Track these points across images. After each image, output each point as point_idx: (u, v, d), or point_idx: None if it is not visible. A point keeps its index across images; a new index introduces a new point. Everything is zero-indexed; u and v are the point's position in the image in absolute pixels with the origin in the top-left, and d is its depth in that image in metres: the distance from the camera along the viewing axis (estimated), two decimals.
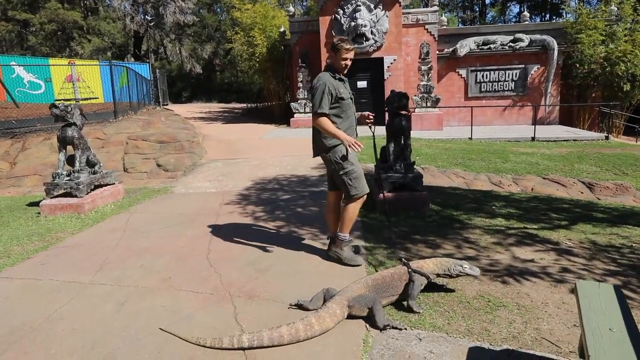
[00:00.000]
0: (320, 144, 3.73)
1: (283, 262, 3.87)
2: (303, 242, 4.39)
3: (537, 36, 15.66)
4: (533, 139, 13.08)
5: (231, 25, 26.55)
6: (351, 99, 3.78)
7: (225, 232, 4.82)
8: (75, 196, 5.85)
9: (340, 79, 3.68)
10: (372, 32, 14.73)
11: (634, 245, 4.37)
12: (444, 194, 6.88)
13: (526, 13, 17.57)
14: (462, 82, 16.46)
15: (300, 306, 3.00)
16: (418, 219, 5.15)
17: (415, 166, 5.80)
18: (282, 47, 17.99)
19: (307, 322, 2.63)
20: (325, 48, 15.29)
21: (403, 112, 5.53)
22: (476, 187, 8.79)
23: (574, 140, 13.05)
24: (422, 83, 15.55)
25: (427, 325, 2.78)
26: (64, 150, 6.08)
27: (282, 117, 18.05)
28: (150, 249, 4.32)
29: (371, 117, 3.90)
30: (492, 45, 15.85)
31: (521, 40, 15.59)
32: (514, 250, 4.16)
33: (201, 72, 34.15)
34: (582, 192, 9.38)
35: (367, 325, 2.77)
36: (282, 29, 18.11)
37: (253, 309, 3.02)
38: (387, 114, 5.70)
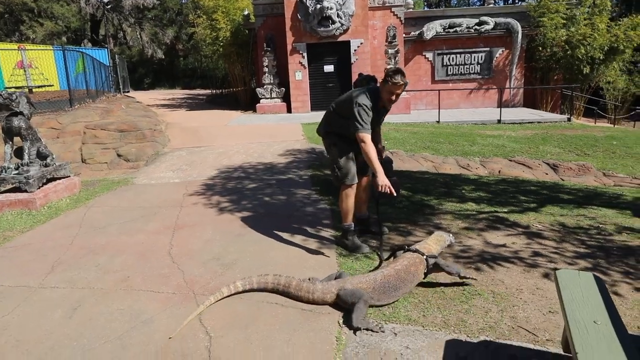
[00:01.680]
0: (329, 129, 3.69)
1: (250, 256, 3.69)
2: (270, 233, 4.22)
3: (502, 19, 15.78)
4: (499, 121, 13.23)
5: (193, 9, 25.66)
6: (378, 121, 3.69)
7: (188, 224, 4.59)
8: (25, 191, 5.46)
9: (378, 110, 3.52)
10: (338, 15, 14.47)
11: (600, 226, 4.40)
12: (413, 178, 6.82)
13: None
14: (429, 65, 16.46)
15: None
16: (389, 205, 5.04)
17: (384, 151, 5.68)
18: (247, 31, 17.51)
19: (279, 281, 2.92)
20: (290, 31, 14.96)
21: None
22: (445, 170, 8.80)
23: (538, 122, 13.27)
24: (389, 66, 15.43)
25: (402, 319, 2.67)
26: (11, 142, 5.66)
27: (248, 103, 17.65)
28: (108, 246, 4.05)
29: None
30: (458, 29, 15.87)
31: (486, 23, 15.67)
32: (486, 235, 4.11)
33: (163, 57, 33.04)
34: (547, 174, 9.54)
35: (340, 321, 2.64)
36: (246, 12, 17.59)
37: (219, 308, 2.84)
38: None
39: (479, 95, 16.59)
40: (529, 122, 13.25)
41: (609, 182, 9.02)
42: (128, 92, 22.39)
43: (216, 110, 17.04)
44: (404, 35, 15.82)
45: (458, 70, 16.46)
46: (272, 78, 15.84)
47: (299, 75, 15.37)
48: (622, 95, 17.47)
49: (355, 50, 15.07)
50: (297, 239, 4.04)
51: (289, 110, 15.69)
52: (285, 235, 4.12)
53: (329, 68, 15.54)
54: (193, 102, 21.10)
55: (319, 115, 15.58)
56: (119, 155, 9.15)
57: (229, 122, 13.63)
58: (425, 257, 3.02)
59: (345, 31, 14.86)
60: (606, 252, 3.71)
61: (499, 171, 9.46)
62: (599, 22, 15.18)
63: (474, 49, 16.17)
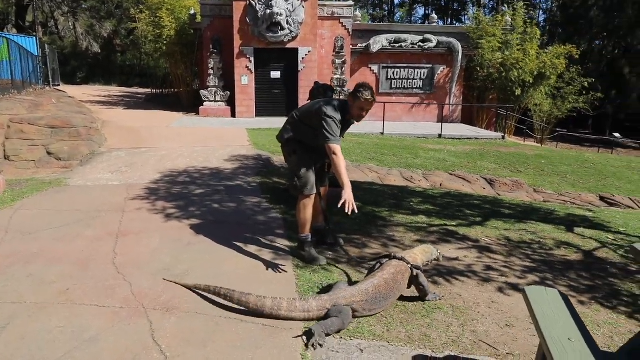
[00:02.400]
0: (291, 136, 3.59)
1: (202, 267, 3.50)
2: (222, 242, 4.04)
3: (444, 38, 16.47)
4: (440, 136, 13.73)
5: (135, 3, 24.59)
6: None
7: (133, 231, 4.30)
8: None
9: (346, 123, 3.48)
10: (287, 22, 14.44)
11: (541, 241, 4.63)
12: (361, 189, 6.86)
13: (434, 16, 18.46)
14: (374, 77, 16.81)
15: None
16: (341, 216, 5.00)
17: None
18: (192, 31, 17.02)
19: (275, 305, 2.68)
20: (238, 35, 14.71)
21: None
22: (389, 182, 8.95)
23: (476, 138, 13.92)
24: (335, 76, 15.60)
25: (367, 334, 2.63)
26: None
27: (191, 105, 17.11)
28: (42, 254, 3.69)
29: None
30: (403, 44, 16.37)
31: (430, 41, 16.29)
32: (439, 248, 4.17)
33: (100, 51, 31.33)
34: (484, 188, 10.00)
35: (304, 337, 2.54)
36: (192, 12, 17.11)
37: (173, 324, 2.64)
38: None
39: (421, 109, 17.17)
40: (467, 138, 13.87)
41: (539, 197, 9.61)
42: (58, 85, 20.98)
43: (157, 111, 16.36)
44: (351, 46, 16.07)
45: (402, 84, 16.95)
46: (217, 81, 15.48)
47: (245, 79, 15.13)
48: (547, 117, 18.79)
49: (303, 58, 15.09)
50: (251, 249, 3.90)
51: (233, 115, 15.39)
52: (238, 245, 3.96)
53: (275, 74, 15.44)
54: (131, 100, 20.14)
55: (264, 121, 15.39)
56: (49, 154, 8.48)
57: (171, 123, 13.12)
58: (410, 266, 3.00)
59: (294, 38, 14.84)
60: (550, 266, 3.90)
61: (441, 184, 9.79)
62: (530, 48, 16.28)
63: (417, 65, 16.73)
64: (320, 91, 5.15)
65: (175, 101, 18.81)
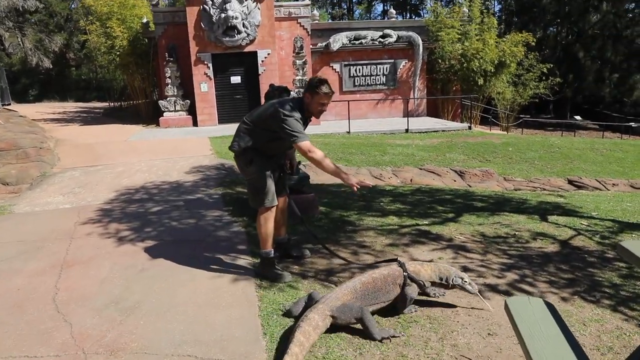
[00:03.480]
0: (247, 145, 3.29)
1: (155, 296, 3.16)
2: (180, 264, 3.70)
3: (404, 32, 16.42)
4: (407, 130, 13.63)
5: (84, 14, 23.66)
6: None
7: (81, 261, 3.91)
8: None
9: (305, 121, 3.25)
10: (244, 25, 14.07)
11: (516, 233, 4.47)
12: (329, 192, 6.61)
13: (393, 11, 18.39)
14: (337, 76, 16.61)
15: (286, 313, 2.80)
16: (308, 224, 4.74)
17: (300, 166, 5.38)
18: (146, 40, 16.43)
19: (299, 343, 2.34)
20: (194, 41, 14.25)
21: None
22: None
23: (443, 130, 13.89)
24: (297, 78, 15.32)
25: None
26: None
27: (151, 116, 16.51)
28: None
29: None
30: (363, 41, 16.22)
31: (390, 36, 16.21)
32: (411, 251, 3.96)
33: (51, 67, 30.05)
34: (455, 180, 9.91)
35: None
36: (144, 20, 16.51)
37: None
38: None
39: (386, 105, 17.08)
40: (434, 131, 13.82)
41: (510, 185, 9.59)
42: (9, 104, 19.95)
43: (115, 125, 15.70)
44: (311, 46, 15.82)
45: (365, 82, 16.81)
46: (175, 90, 14.97)
47: (204, 86, 14.68)
48: (510, 105, 19.00)
49: (262, 61, 14.75)
50: (211, 270, 3.58)
51: (195, 124, 14.91)
52: (196, 267, 3.64)
53: (236, 79, 15.05)
54: (88, 115, 19.35)
55: (227, 129, 14.91)
56: None
57: (130, 137, 12.57)
58: (405, 274, 2.80)
59: (251, 41, 14.48)
60: (528, 261, 3.73)
61: (411, 180, 9.65)
62: (489, 38, 16.40)
63: (379, 61, 16.63)
64: (276, 93, 4.85)
65: (134, 114, 18.16)
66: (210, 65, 14.52)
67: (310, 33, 15.57)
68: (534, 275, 3.43)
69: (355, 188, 2.98)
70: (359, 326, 2.59)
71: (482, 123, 17.83)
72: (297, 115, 3.10)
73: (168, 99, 14.94)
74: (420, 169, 10.43)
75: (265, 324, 2.70)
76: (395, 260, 2.97)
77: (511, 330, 2.61)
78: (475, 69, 16.18)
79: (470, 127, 14.34)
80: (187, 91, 15.01)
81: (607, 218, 5.28)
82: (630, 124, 21.69)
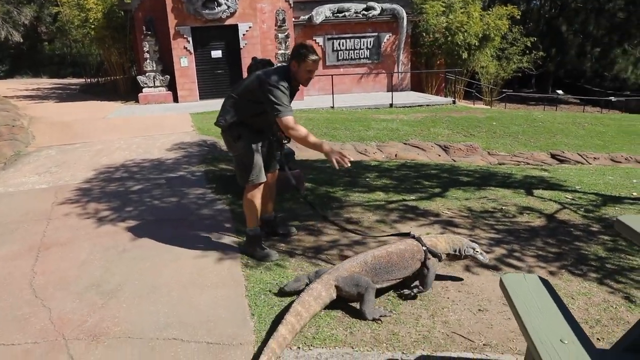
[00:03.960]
0: (234, 120, 3.15)
1: (138, 277, 3.06)
2: (163, 244, 3.60)
3: (388, 5, 16.12)
4: (391, 105, 13.53)
5: None
6: None
7: (59, 242, 3.77)
8: None
9: (293, 91, 3.10)
10: None
11: (503, 208, 4.46)
12: (314, 168, 6.52)
13: None
14: (320, 50, 16.29)
15: (283, 291, 2.70)
16: (293, 201, 4.66)
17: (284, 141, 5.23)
18: (122, 13, 15.84)
19: (295, 312, 2.30)
20: (172, 14, 13.78)
21: None
22: None
23: (427, 105, 13.82)
24: (280, 52, 15.00)
25: (328, 340, 2.31)
26: None
27: (129, 92, 16.05)
28: None
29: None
30: (346, 13, 15.91)
31: (374, 8, 15.91)
32: (400, 227, 3.92)
33: (22, 41, 28.86)
34: (439, 155, 9.90)
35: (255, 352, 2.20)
36: None
37: (100, 356, 2.23)
38: None
39: (370, 79, 16.89)
40: (418, 106, 13.74)
41: (494, 160, 9.63)
42: None
43: (92, 102, 15.23)
44: (293, 19, 15.46)
45: (349, 55, 16.56)
46: (154, 65, 14.53)
47: (184, 61, 14.28)
48: (494, 79, 18.99)
49: (244, 34, 14.37)
50: (195, 249, 3.49)
51: (176, 100, 14.56)
52: (180, 246, 3.54)
53: (217, 53, 14.66)
54: (64, 92, 18.73)
55: (208, 104, 14.61)
56: None
57: (108, 114, 12.21)
58: (425, 248, 2.72)
59: (232, 14, 14.06)
60: (515, 235, 3.72)
61: (396, 155, 9.61)
62: (473, 10, 16.24)
63: (363, 34, 16.35)
64: (259, 67, 4.65)
65: (112, 90, 17.64)
66: (190, 39, 14.09)
67: (292, 5, 15.18)
68: (522, 249, 3.42)
69: (336, 165, 2.87)
70: (354, 305, 2.54)
71: (465, 97, 17.81)
72: (284, 85, 2.96)
73: (147, 74, 14.51)
74: (405, 143, 10.38)
75: (252, 304, 2.63)
76: (408, 234, 2.89)
77: (502, 306, 2.61)
78: (459, 43, 16.04)
79: (454, 102, 14.30)
80: (166, 66, 14.59)
81: (590, 191, 5.31)
82: (610, 98, 21.93)
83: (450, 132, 11.15)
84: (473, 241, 2.99)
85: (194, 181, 5.58)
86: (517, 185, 5.52)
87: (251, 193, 3.22)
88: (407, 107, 13.61)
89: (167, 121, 10.74)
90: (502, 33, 16.84)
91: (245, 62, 14.18)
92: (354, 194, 4.97)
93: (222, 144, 8.20)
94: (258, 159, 3.18)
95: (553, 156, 9.76)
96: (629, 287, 2.90)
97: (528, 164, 9.23)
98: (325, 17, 15.76)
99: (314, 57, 2.98)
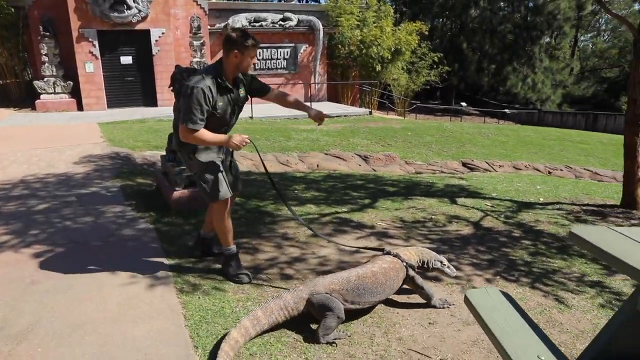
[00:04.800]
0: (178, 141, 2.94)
1: (53, 314, 2.67)
2: (80, 273, 3.20)
3: (305, 16, 16.31)
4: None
5: None
6: (233, 112, 2.97)
7: None
8: None
9: (227, 88, 2.82)
10: (134, 0, 12.88)
11: (433, 217, 4.60)
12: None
13: None
14: None
15: None
16: None
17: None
18: (13, 9, 14.34)
19: (254, 317, 2.28)
20: (76, 14, 12.75)
21: None
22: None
23: (345, 115, 14.10)
24: (195, 59, 14.52)
25: None
26: None
27: (24, 98, 14.56)
28: None
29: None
30: (263, 23, 15.83)
31: (290, 19, 16.00)
32: (336, 240, 3.85)
33: None
34: (360, 165, 10.10)
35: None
36: None
37: None
38: (163, 96, 4.69)
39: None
40: (336, 116, 13.96)
41: (411, 169, 10.02)
42: None
43: None
44: (209, 27, 15.05)
45: (266, 65, 16.47)
46: (54, 69, 13.33)
47: (90, 67, 13.26)
48: (404, 91, 19.96)
49: (156, 40, 13.71)
50: (120, 276, 3.14)
51: (81, 108, 13.47)
52: (102, 274, 3.17)
53: (126, 60, 13.82)
54: None
55: (118, 113, 13.74)
56: None
57: None
58: (405, 264, 2.64)
59: (143, 19, 13.36)
60: (449, 244, 3.83)
61: (317, 165, 9.63)
62: (386, 25, 16.97)
63: (279, 44, 16.36)
64: (184, 75, 4.39)
65: (2, 95, 15.87)
66: (96, 43, 13.14)
67: (207, 12, 14.79)
68: (458, 258, 3.52)
69: (236, 146, 2.76)
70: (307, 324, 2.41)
71: (379, 108, 18.49)
72: (206, 85, 2.69)
73: (46, 79, 13.26)
74: (326, 154, 10.46)
75: (194, 335, 2.40)
76: (382, 250, 2.80)
77: (449, 317, 2.63)
78: (373, 55, 16.64)
79: (371, 113, 14.76)
80: (69, 71, 13.45)
81: (505, 198, 5.68)
82: (505, 110, 24.07)
83: (368, 142, 11.44)
84: (440, 254, 3.01)
85: (109, 198, 5.10)
86: (441, 194, 5.75)
87: (219, 211, 2.99)
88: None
89: (73, 131, 9.85)
90: (412, 48, 17.78)
91: (159, 69, 13.54)
92: (285, 208, 4.83)
93: (137, 155, 7.67)
94: (218, 174, 2.92)
95: (464, 164, 10.38)
96: (556, 289, 3.08)
97: (443, 172, 9.72)
98: (242, 26, 15.52)
99: (253, 42, 2.79)
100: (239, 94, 2.94)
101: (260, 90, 3.15)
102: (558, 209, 5.19)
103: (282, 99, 3.27)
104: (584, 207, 5.32)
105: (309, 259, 3.47)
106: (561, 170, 10.24)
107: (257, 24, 15.90)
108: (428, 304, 2.73)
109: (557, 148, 11.94)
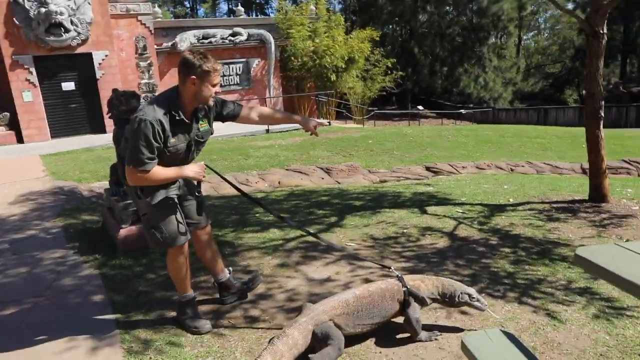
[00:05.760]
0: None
1: None
2: (9, 336, 2.72)
3: (255, 30, 16.01)
4: (267, 130, 13.27)
5: None
6: (189, 149, 2.52)
7: None
8: None
9: (182, 123, 2.38)
10: (72, 22, 12.22)
11: (405, 232, 4.34)
12: None
13: (241, 8, 17.87)
14: None
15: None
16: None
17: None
18: None
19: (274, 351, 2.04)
20: (7, 40, 11.95)
21: None
22: (226, 191, 8.07)
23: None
24: (143, 81, 13.94)
25: None
26: None
27: None
28: None
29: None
30: (212, 39, 15.42)
31: (240, 34, 15.68)
32: (304, 269, 3.52)
33: None
34: (322, 178, 9.81)
35: None
36: None
37: None
38: (112, 122, 4.25)
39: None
40: (295, 129, 13.67)
41: (375, 178, 9.81)
42: None
43: None
44: (155, 46, 14.50)
45: None
46: None
47: (28, 95, 12.45)
48: (361, 99, 19.95)
49: (100, 63, 13.05)
50: (57, 338, 2.68)
51: (21, 140, 12.59)
52: (35, 337, 2.70)
53: (68, 86, 13.08)
54: None
55: (62, 143, 12.92)
56: None
57: None
58: (405, 288, 2.40)
59: (84, 42, 12.69)
60: (425, 261, 3.56)
61: (279, 182, 9.28)
62: (337, 34, 16.91)
63: (231, 60, 15.98)
64: (122, 100, 3.99)
65: None
66: (32, 69, 12.35)
67: (153, 32, 14.26)
68: (437, 276, 3.24)
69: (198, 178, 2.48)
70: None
71: (337, 118, 18.36)
72: (156, 118, 2.26)
73: None
74: (287, 169, 10.13)
75: None
76: (389, 268, 2.64)
77: (438, 352, 2.33)
78: (327, 65, 16.53)
79: (329, 123, 14.56)
80: (3, 102, 12.56)
81: (475, 202, 5.50)
82: (461, 111, 24.51)
83: (329, 153, 11.19)
84: (468, 286, 2.68)
85: (49, 241, 4.56)
86: (410, 204, 5.51)
87: (174, 257, 2.60)
88: (284, 131, 13.48)
89: (11, 166, 9.10)
90: (366, 55, 17.80)
91: (104, 94, 12.87)
92: (246, 235, 4.46)
93: (83, 188, 7.10)
94: (171, 216, 2.50)
95: (428, 169, 10.28)
96: (545, 301, 2.86)
97: (408, 178, 9.57)
98: (190, 44, 15.06)
99: (216, 65, 2.36)
100: (198, 127, 2.52)
101: (232, 115, 2.73)
102: (529, 209, 5.05)
103: (265, 117, 2.92)
104: (554, 205, 5.21)
105: (275, 294, 3.11)
106: (522, 166, 10.29)
107: (206, 41, 15.46)
108: (412, 337, 2.42)
109: (516, 145, 12.07)
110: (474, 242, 3.98)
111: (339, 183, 9.34)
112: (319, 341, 2.17)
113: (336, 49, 16.47)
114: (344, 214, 5.15)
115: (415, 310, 2.40)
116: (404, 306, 2.41)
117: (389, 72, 19.65)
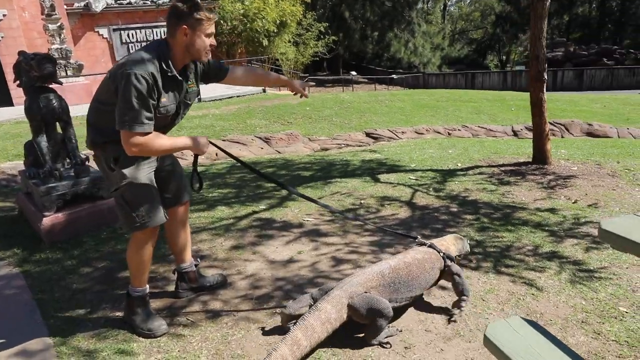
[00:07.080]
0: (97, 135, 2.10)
1: None
2: None
3: None
4: (200, 100, 12.50)
5: None
6: (177, 113, 2.16)
7: None
8: None
9: (174, 79, 2.04)
10: None
11: (362, 202, 4.15)
12: None
13: None
14: (106, 43, 14.18)
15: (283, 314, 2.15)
16: (117, 240, 3.53)
17: (88, 162, 3.96)
18: None
19: (293, 341, 1.84)
20: None
21: (51, 85, 3.61)
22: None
23: (237, 96, 13.19)
24: (54, 46, 12.46)
25: None
26: None
27: None
28: None
29: None
30: (132, 0, 14.08)
31: None
32: (263, 250, 3.23)
33: None
34: (262, 148, 9.43)
35: None
36: None
37: None
38: (23, 91, 3.60)
39: None
40: (228, 97, 13.03)
41: (316, 146, 9.59)
42: None
43: None
44: (65, 6, 12.99)
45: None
46: None
47: None
48: (294, 65, 19.42)
49: None
50: None
51: None
52: None
53: None
54: None
55: None
56: None
57: None
58: (442, 255, 2.33)
59: None
60: (390, 234, 3.39)
61: (217, 154, 8.78)
62: None
63: (155, 24, 14.79)
64: (34, 65, 3.36)
65: None
66: None
67: None
68: (406, 248, 3.08)
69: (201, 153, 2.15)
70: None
71: None
72: (149, 73, 1.89)
73: None
74: (224, 140, 9.62)
75: None
76: (415, 238, 2.47)
77: (425, 335, 2.16)
78: (258, 30, 15.81)
79: (264, 90, 14.01)
80: None
81: (425, 168, 5.43)
82: (392, 76, 24.72)
83: (267, 122, 10.77)
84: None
85: None
86: (360, 173, 5.33)
87: (141, 242, 2.19)
88: (217, 100, 12.79)
89: None
90: (298, 19, 17.20)
91: (6, 60, 11.43)
92: (192, 215, 4.05)
93: None
94: (149, 191, 2.12)
95: (368, 135, 10.20)
96: (519, 269, 2.79)
97: (349, 145, 9.43)
98: (107, 5, 13.69)
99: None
100: (187, 88, 2.15)
101: (218, 74, 2.41)
102: (479, 174, 5.05)
103: (253, 77, 2.65)
104: (502, 168, 5.26)
105: (235, 281, 2.79)
106: (459, 130, 10.52)
107: (124, 2, 14.12)
108: (464, 299, 2.31)
109: (451, 109, 12.31)
110: (435, 210, 3.87)
111: (279, 152, 9.02)
112: (359, 313, 1.99)
113: (267, 12, 15.75)
114: (294, 186, 4.86)
115: (460, 272, 2.35)
116: (448, 272, 2.34)
117: (322, 37, 19.22)
